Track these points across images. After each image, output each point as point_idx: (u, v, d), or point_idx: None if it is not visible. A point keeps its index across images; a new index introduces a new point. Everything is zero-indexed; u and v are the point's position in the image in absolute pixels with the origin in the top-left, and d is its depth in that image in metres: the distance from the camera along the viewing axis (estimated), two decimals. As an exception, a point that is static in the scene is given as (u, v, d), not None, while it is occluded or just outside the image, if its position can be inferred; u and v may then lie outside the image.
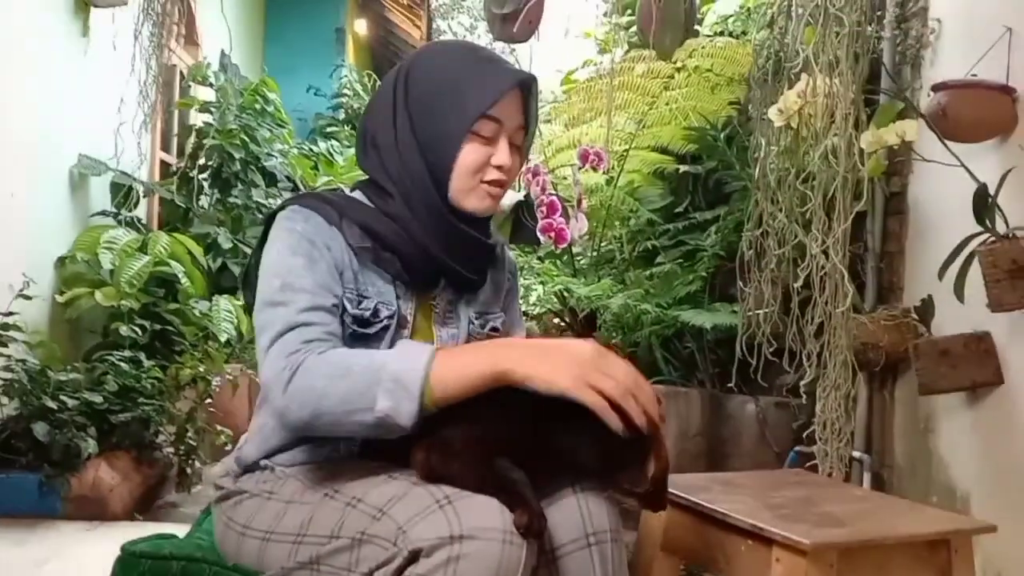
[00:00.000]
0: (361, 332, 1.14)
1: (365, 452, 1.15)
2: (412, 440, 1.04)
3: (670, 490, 1.24)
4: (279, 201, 4.36)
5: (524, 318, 1.42)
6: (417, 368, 1.01)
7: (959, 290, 2.32)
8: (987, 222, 2.25)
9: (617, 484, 1.05)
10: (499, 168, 1.19)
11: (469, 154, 1.17)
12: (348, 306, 1.15)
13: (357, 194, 1.24)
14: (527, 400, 1.02)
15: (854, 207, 1.83)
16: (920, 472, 2.82)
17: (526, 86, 1.21)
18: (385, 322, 1.16)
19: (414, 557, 0.93)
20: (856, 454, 2.99)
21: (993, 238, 2.24)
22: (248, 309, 1.25)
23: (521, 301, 4.91)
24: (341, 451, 1.16)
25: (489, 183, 1.19)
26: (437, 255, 1.19)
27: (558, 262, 4.27)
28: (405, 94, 1.19)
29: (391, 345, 1.15)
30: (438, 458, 1.01)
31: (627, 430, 0.99)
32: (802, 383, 2.00)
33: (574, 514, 1.04)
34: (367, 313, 1.15)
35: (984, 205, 2.25)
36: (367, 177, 1.24)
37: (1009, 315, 2.29)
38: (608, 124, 3.08)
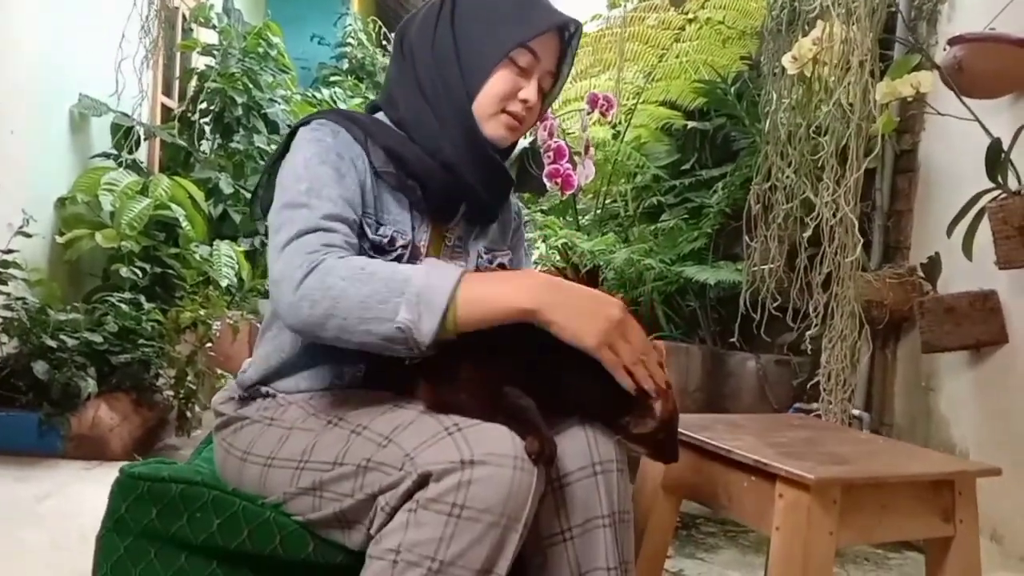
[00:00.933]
0: (375, 259, 1.12)
1: (368, 383, 1.14)
2: (417, 370, 1.03)
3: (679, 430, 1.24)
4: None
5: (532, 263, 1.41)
6: (445, 287, 0.97)
7: (967, 247, 2.30)
8: (999, 178, 2.22)
9: (623, 427, 1.04)
10: (524, 102, 1.19)
11: (500, 80, 1.17)
12: (367, 231, 1.13)
13: (380, 115, 1.22)
14: (535, 336, 1.00)
15: (867, 157, 1.80)
16: (919, 430, 2.82)
17: (569, 34, 1.22)
18: (400, 251, 1.14)
19: (423, 481, 0.92)
20: (856, 412, 2.98)
21: (1004, 195, 2.21)
22: (253, 222, 1.22)
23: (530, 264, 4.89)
24: (345, 379, 1.14)
25: (511, 114, 1.19)
26: (467, 178, 1.17)
27: (562, 218, 4.24)
28: (452, 8, 1.19)
29: None
30: (446, 387, 0.99)
31: (635, 391, 1.02)
32: (808, 335, 1.98)
33: (581, 443, 1.03)
34: (384, 240, 1.14)
35: (997, 160, 2.22)
36: (388, 97, 1.22)
37: (1016, 273, 2.27)
38: (618, 75, 3.01)
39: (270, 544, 1.05)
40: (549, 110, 2.46)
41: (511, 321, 0.99)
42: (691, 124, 3.86)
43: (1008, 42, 2.35)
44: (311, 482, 1.03)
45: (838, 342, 1.83)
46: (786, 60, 2.13)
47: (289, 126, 4.47)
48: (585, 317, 0.99)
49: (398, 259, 1.14)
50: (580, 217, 4.29)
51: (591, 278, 3.84)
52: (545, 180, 2.15)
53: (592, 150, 2.25)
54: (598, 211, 4.28)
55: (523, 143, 2.49)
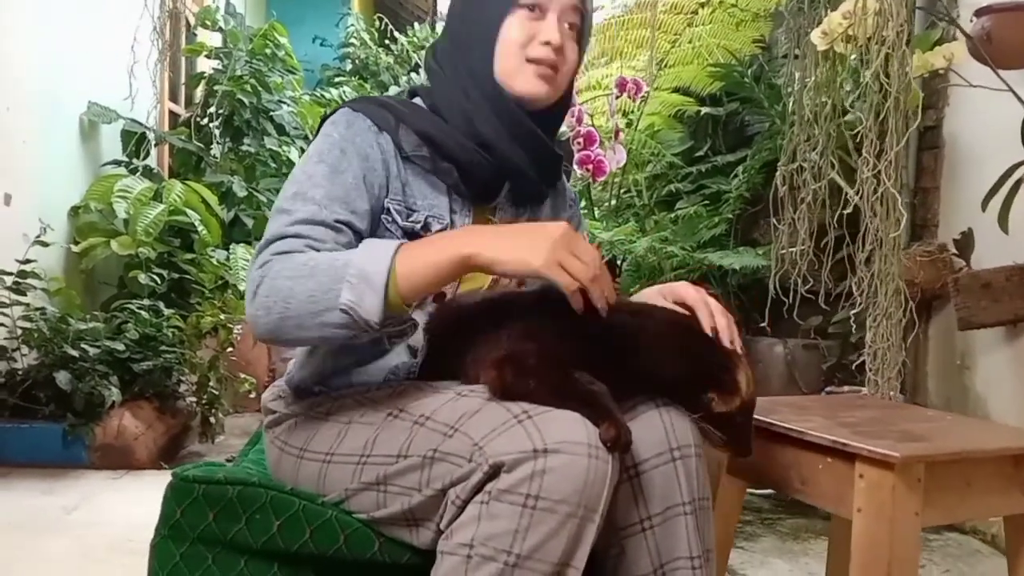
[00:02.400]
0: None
1: (425, 375, 1.10)
2: (481, 357, 0.99)
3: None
4: (292, 150, 4.30)
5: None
6: (381, 261, 0.95)
7: (1003, 220, 2.25)
8: (1036, 149, 2.18)
9: (706, 405, 1.00)
10: (547, 44, 1.12)
11: (512, 26, 1.12)
12: (398, 218, 1.10)
13: (417, 100, 1.18)
14: (598, 320, 0.98)
15: (908, 130, 1.76)
16: (956, 410, 2.77)
17: None
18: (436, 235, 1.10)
19: (495, 472, 0.88)
20: (890, 393, 2.94)
21: (1042, 165, 2.17)
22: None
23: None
24: (400, 374, 1.10)
25: (537, 62, 1.12)
26: (506, 153, 1.12)
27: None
28: None
29: None
30: (513, 373, 0.95)
31: (587, 313, 0.97)
32: (852, 314, 1.93)
33: (657, 428, 0.99)
34: (417, 226, 1.10)
35: (1033, 130, 2.17)
36: (425, 82, 1.19)
37: (1053, 245, 2.23)
38: (652, 54, 2.94)
39: (334, 544, 1.01)
40: (576, 95, 2.41)
41: (456, 275, 0.98)
42: (704, 110, 3.82)
43: (1037, 10, 2.30)
44: (374, 477, 0.99)
45: (883, 320, 1.79)
46: (815, 36, 2.09)
47: (296, 127, 4.44)
48: (523, 243, 0.96)
49: None
50: (595, 207, 4.25)
51: (609, 269, 3.80)
52: (575, 167, 2.10)
53: (622, 135, 2.20)
54: (613, 201, 4.24)
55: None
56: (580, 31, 1.17)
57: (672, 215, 3.75)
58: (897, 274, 1.76)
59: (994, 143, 2.42)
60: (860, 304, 1.85)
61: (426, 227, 1.10)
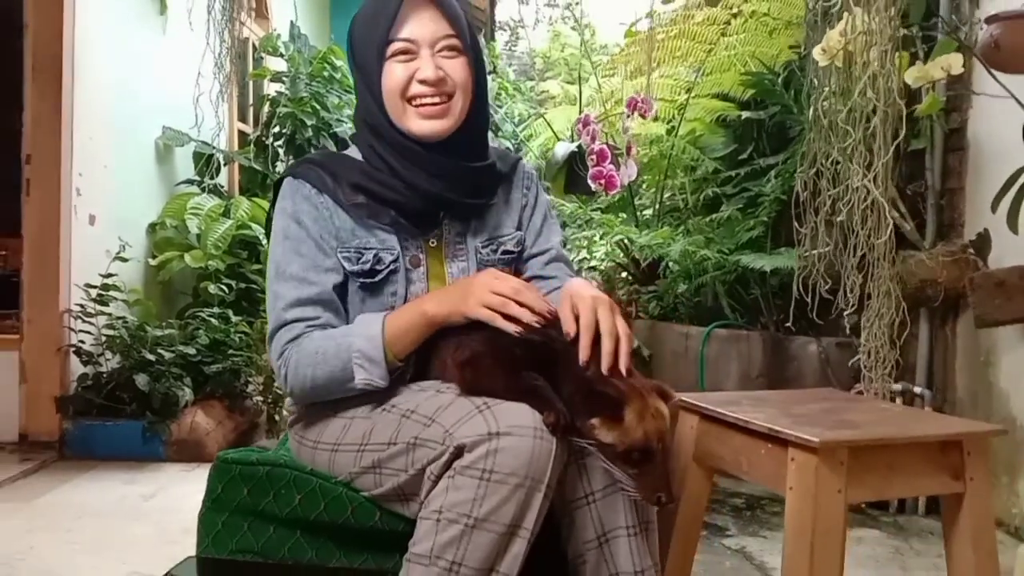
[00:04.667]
0: (368, 283, 1.28)
1: (415, 379, 1.29)
2: (452, 363, 1.19)
3: (704, 405, 1.35)
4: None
5: (561, 232, 1.47)
6: (375, 340, 1.19)
7: (1013, 221, 2.33)
8: (1039, 152, 2.25)
9: (590, 429, 1.09)
10: (423, 82, 1.24)
11: (390, 75, 1.25)
12: (347, 265, 1.28)
13: (352, 150, 1.35)
14: (535, 333, 1.15)
15: (894, 142, 1.87)
16: (981, 405, 2.84)
17: None
18: (391, 266, 1.28)
19: (459, 452, 1.07)
20: (917, 389, 3.02)
21: (1046, 167, 2.24)
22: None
23: (585, 255, 4.96)
24: (392, 377, 1.29)
25: (422, 102, 1.25)
26: (427, 188, 1.27)
27: (622, 214, 4.34)
28: (349, 42, 1.32)
29: (407, 285, 1.28)
30: (473, 373, 1.15)
31: (520, 330, 1.15)
32: (845, 315, 2.05)
33: (600, 417, 1.16)
34: (367, 266, 1.28)
35: (1035, 135, 2.25)
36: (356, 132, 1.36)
37: (1066, 245, 2.30)
38: (648, 69, 3.09)
39: (343, 515, 1.22)
40: (592, 115, 2.57)
41: (432, 331, 1.21)
42: (745, 114, 3.91)
43: (1045, 16, 2.37)
44: (371, 461, 1.19)
45: (875, 321, 1.91)
46: (816, 52, 2.21)
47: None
48: (455, 297, 1.19)
49: (391, 274, 1.28)
50: (640, 211, 4.38)
51: (651, 269, 3.99)
52: (590, 182, 2.27)
53: (635, 150, 2.36)
54: (657, 206, 4.37)
55: (571, 147, 2.60)
56: (464, 46, 1.27)
57: (710, 219, 3.86)
58: (888, 277, 1.87)
59: (1012, 145, 2.48)
60: (852, 306, 1.97)
61: (379, 261, 1.28)
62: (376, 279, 1.28)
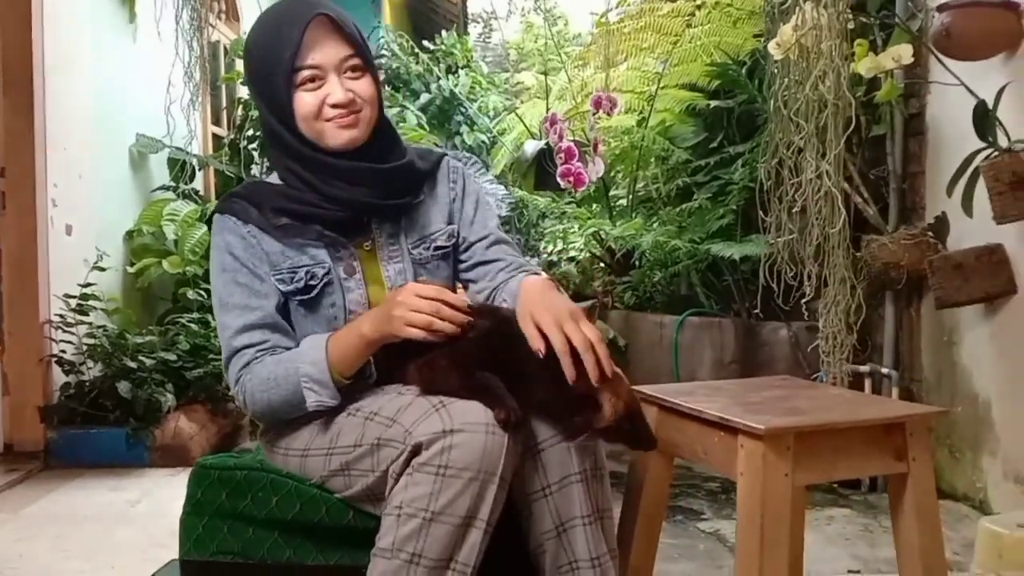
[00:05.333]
0: (306, 299, 1.32)
1: (377, 383, 1.33)
2: (411, 366, 1.24)
3: (662, 396, 1.42)
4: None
5: (496, 215, 1.51)
6: (320, 364, 1.25)
7: (967, 205, 2.41)
8: (988, 137, 2.33)
9: (578, 427, 1.17)
10: (335, 106, 1.28)
11: (302, 103, 1.29)
12: (282, 286, 1.32)
13: (273, 176, 1.40)
14: (497, 335, 1.21)
15: (846, 132, 1.94)
16: (945, 384, 2.92)
17: (325, 19, 1.26)
18: (324, 280, 1.32)
19: (417, 450, 1.12)
20: (884, 370, 3.10)
21: (995, 152, 2.32)
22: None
23: (562, 246, 5.00)
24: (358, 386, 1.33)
25: (335, 120, 1.29)
26: (345, 197, 1.32)
27: (596, 205, 4.40)
28: (248, 69, 1.35)
29: (344, 298, 1.33)
30: (429, 374, 1.21)
31: (450, 343, 1.19)
32: (803, 302, 2.13)
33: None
34: (301, 284, 1.32)
35: (985, 120, 2.33)
36: (269, 159, 1.41)
37: (1019, 225, 2.37)
38: (607, 66, 3.14)
39: (318, 515, 1.27)
40: (559, 113, 2.64)
41: (373, 350, 1.25)
42: (714, 103, 3.97)
43: (993, 5, 2.44)
44: (340, 464, 1.24)
45: (832, 307, 1.98)
46: (771, 46, 2.27)
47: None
48: (383, 317, 1.22)
49: (326, 286, 1.33)
50: (613, 203, 4.44)
51: (626, 260, 4.07)
52: (558, 179, 2.32)
53: (601, 148, 2.42)
54: (630, 197, 4.43)
55: (540, 145, 2.66)
56: (364, 64, 1.30)
57: (680, 208, 3.93)
58: (843, 264, 1.94)
59: (967, 130, 2.54)
60: (810, 294, 2.04)
61: (311, 277, 1.32)
62: (312, 295, 1.33)
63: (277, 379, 1.27)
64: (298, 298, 1.33)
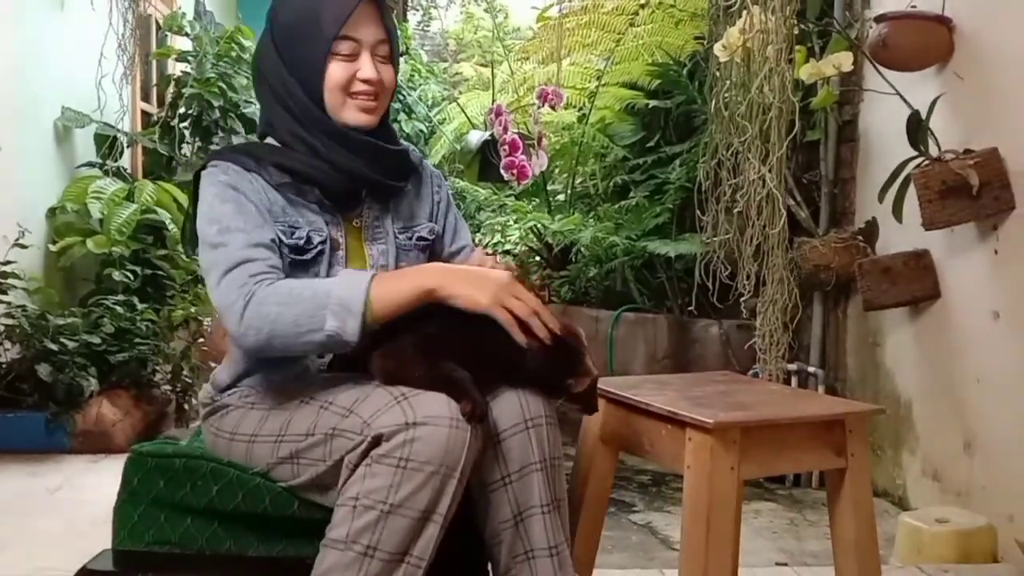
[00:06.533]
0: (299, 259, 1.29)
1: (332, 368, 1.32)
2: (370, 350, 1.21)
3: (610, 389, 1.43)
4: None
5: (471, 233, 1.54)
6: (359, 292, 1.16)
7: (897, 211, 2.49)
8: (920, 146, 2.41)
9: (567, 389, 1.21)
10: (366, 82, 1.31)
11: (334, 72, 1.30)
12: (283, 238, 1.29)
13: (268, 140, 1.37)
14: (468, 317, 1.18)
15: (788, 136, 1.98)
16: (869, 383, 3.03)
17: (373, 3, 1.31)
18: (319, 247, 1.31)
19: (377, 441, 1.10)
20: (811, 369, 3.19)
21: (926, 161, 2.40)
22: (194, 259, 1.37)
23: (499, 239, 5.02)
24: (312, 369, 1.32)
25: (360, 97, 1.31)
26: (348, 165, 1.31)
27: (535, 200, 4.42)
28: (271, 28, 1.34)
29: (329, 267, 1.30)
30: (393, 364, 1.18)
31: (531, 342, 1.17)
32: (742, 301, 2.17)
33: (514, 404, 1.20)
34: (301, 242, 1.30)
35: (917, 129, 2.41)
36: (266, 124, 1.36)
37: (947, 232, 2.47)
38: (553, 60, 3.17)
39: (261, 505, 1.24)
40: (504, 104, 2.64)
41: (420, 302, 1.17)
42: (653, 103, 4.03)
43: (927, 18, 2.53)
44: (289, 452, 1.21)
45: (770, 307, 2.02)
46: (717, 48, 2.31)
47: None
48: (476, 285, 1.17)
49: (319, 255, 1.30)
50: (553, 197, 4.47)
51: (564, 255, 4.10)
52: (502, 171, 2.32)
53: (545, 141, 2.42)
54: (569, 192, 4.46)
55: (484, 136, 2.66)
56: (391, 53, 1.34)
57: (618, 205, 3.98)
58: (781, 265, 1.99)
59: (899, 138, 2.63)
60: (748, 293, 2.08)
61: (308, 240, 1.30)
62: (307, 256, 1.29)
63: (301, 295, 1.16)
64: (292, 256, 1.28)
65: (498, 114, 2.38)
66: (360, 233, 1.37)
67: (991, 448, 2.36)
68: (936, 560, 2.18)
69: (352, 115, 1.32)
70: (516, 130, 2.46)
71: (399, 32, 1.37)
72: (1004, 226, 2.31)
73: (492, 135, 2.51)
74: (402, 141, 1.44)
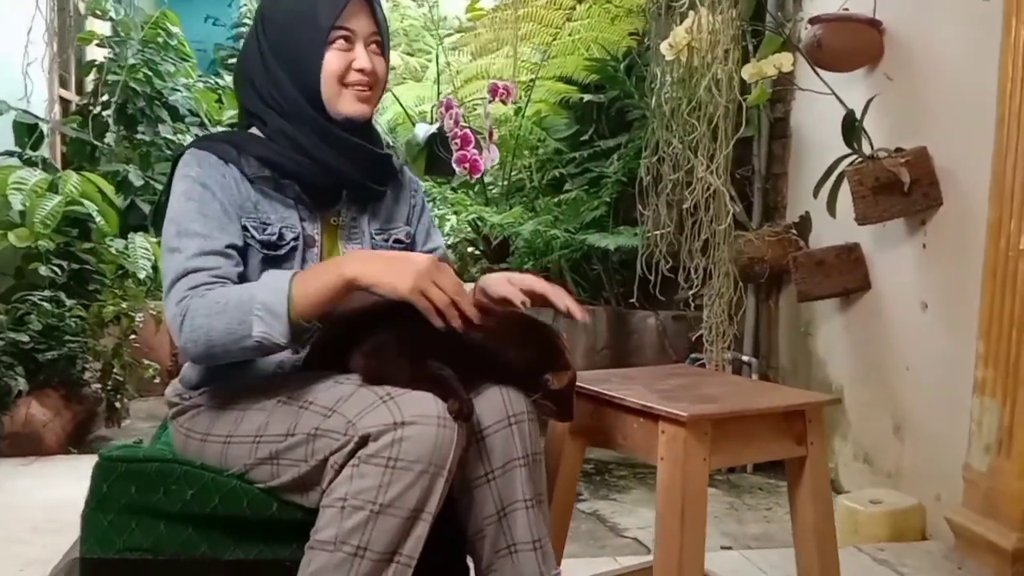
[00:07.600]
0: (271, 255, 1.29)
1: (308, 365, 1.31)
2: (349, 348, 1.21)
3: (580, 384, 1.45)
4: (187, 137, 4.36)
5: (441, 234, 1.56)
6: (280, 294, 1.16)
7: (831, 207, 2.59)
8: (854, 144, 2.51)
9: (545, 384, 1.22)
10: (361, 71, 1.32)
11: (331, 62, 1.31)
12: (255, 233, 1.29)
13: (253, 130, 1.37)
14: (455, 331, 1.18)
15: (736, 134, 2.04)
16: (801, 372, 3.14)
17: None
18: (291, 243, 1.30)
19: (364, 442, 1.10)
20: (745, 358, 3.30)
21: (860, 159, 2.51)
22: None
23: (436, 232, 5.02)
24: (286, 367, 1.31)
25: (355, 87, 1.33)
26: (334, 165, 1.32)
27: (471, 192, 4.41)
28: (263, 26, 1.34)
29: (303, 263, 1.30)
30: (377, 363, 1.18)
31: (447, 328, 1.16)
32: (690, 294, 2.23)
33: (497, 401, 1.22)
34: (273, 238, 1.29)
35: (852, 129, 2.51)
36: (249, 116, 1.37)
37: (877, 227, 2.58)
38: (515, 54, 3.18)
39: (238, 508, 1.22)
40: (454, 98, 2.64)
41: (344, 294, 1.17)
42: (587, 97, 4.07)
43: (859, 21, 2.63)
44: (268, 453, 1.20)
45: (716, 300, 2.09)
46: (663, 47, 2.36)
47: (192, 111, 4.49)
48: (395, 272, 1.16)
49: (293, 251, 1.30)
50: (488, 189, 4.47)
51: (502, 249, 4.11)
52: (454, 165, 2.32)
53: (495, 135, 2.43)
54: (504, 184, 4.47)
55: (431, 129, 2.65)
56: (382, 46, 1.36)
57: (557, 198, 4.01)
58: (728, 260, 2.05)
59: (829, 136, 2.73)
60: (696, 287, 2.14)
61: (281, 236, 1.30)
62: (279, 252, 1.29)
63: (227, 303, 1.16)
64: (264, 252, 1.28)
65: (448, 107, 2.37)
66: (337, 232, 1.37)
67: (919, 432, 2.48)
68: (871, 539, 2.29)
69: (348, 105, 1.33)
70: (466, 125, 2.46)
71: (388, 26, 1.39)
72: (932, 221, 2.43)
73: (440, 128, 2.51)
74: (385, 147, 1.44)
